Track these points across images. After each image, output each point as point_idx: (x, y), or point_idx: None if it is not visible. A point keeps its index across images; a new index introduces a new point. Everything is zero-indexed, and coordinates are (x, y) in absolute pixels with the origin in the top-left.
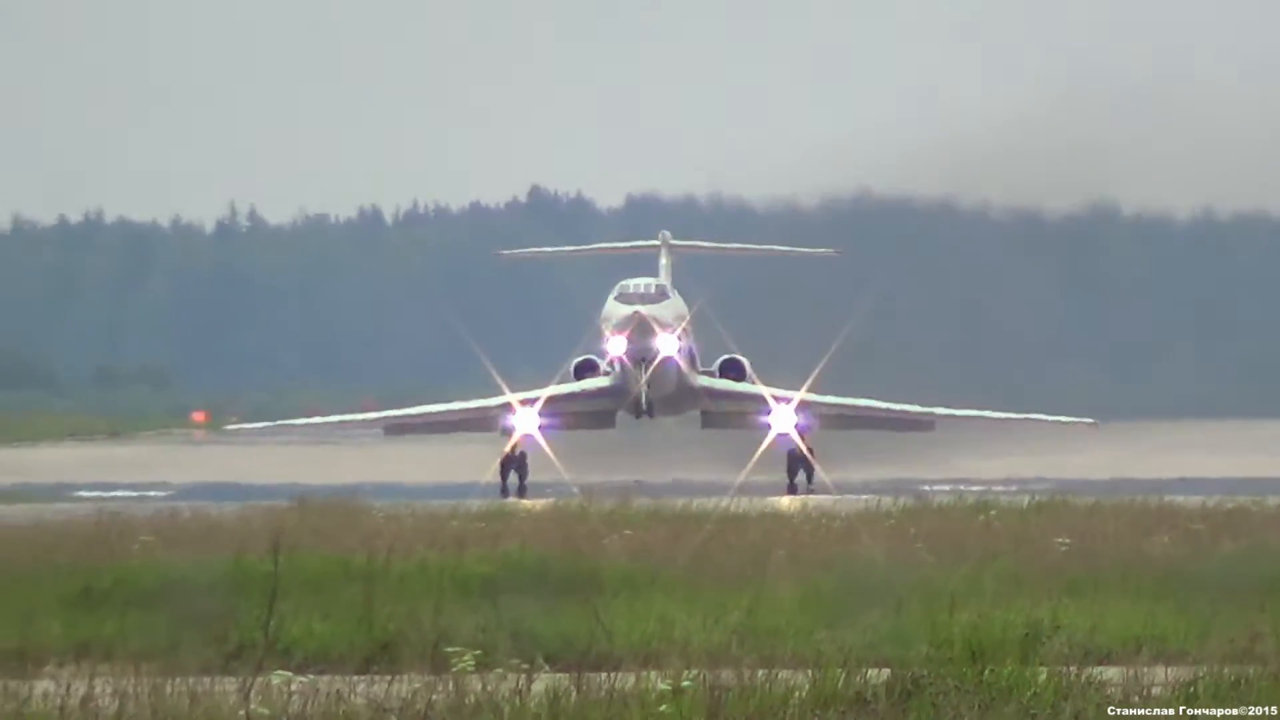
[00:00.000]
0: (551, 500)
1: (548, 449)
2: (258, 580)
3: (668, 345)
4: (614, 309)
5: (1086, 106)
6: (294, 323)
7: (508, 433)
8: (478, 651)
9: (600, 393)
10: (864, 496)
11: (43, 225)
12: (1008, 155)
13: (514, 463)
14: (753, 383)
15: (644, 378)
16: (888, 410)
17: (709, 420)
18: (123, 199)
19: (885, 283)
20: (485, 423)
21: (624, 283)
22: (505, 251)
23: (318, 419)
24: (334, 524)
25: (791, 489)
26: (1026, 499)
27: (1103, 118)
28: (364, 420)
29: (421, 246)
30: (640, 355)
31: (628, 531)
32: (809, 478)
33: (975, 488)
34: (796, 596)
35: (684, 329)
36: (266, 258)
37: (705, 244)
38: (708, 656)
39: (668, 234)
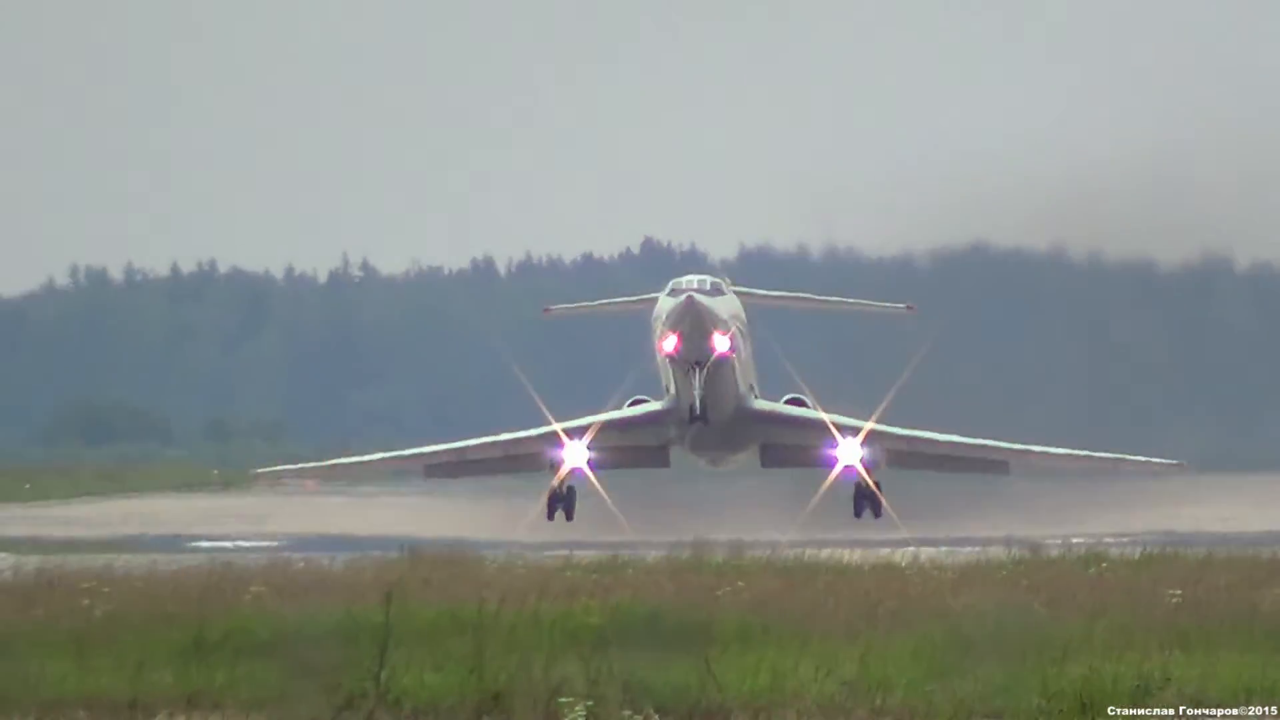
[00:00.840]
0: (664, 552)
1: (597, 484)
2: (369, 630)
3: (721, 342)
4: (665, 304)
5: (1200, 159)
6: (406, 374)
7: (555, 466)
8: (589, 702)
9: (654, 418)
10: (974, 549)
11: (156, 276)
12: (1121, 207)
13: (561, 499)
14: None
15: (698, 380)
16: (956, 444)
17: (770, 457)
18: (236, 249)
19: (994, 334)
20: (533, 459)
21: (677, 280)
22: (553, 306)
23: (350, 459)
24: (445, 575)
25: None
26: (1138, 551)
27: (1216, 170)
28: (401, 458)
29: (535, 298)
30: (693, 353)
31: (740, 583)
32: (876, 512)
33: (1085, 539)
34: (908, 648)
35: (739, 329)
36: (379, 308)
37: (763, 292)
38: (819, 708)
39: (727, 279)
